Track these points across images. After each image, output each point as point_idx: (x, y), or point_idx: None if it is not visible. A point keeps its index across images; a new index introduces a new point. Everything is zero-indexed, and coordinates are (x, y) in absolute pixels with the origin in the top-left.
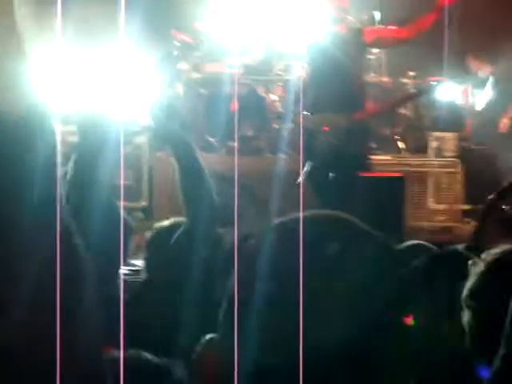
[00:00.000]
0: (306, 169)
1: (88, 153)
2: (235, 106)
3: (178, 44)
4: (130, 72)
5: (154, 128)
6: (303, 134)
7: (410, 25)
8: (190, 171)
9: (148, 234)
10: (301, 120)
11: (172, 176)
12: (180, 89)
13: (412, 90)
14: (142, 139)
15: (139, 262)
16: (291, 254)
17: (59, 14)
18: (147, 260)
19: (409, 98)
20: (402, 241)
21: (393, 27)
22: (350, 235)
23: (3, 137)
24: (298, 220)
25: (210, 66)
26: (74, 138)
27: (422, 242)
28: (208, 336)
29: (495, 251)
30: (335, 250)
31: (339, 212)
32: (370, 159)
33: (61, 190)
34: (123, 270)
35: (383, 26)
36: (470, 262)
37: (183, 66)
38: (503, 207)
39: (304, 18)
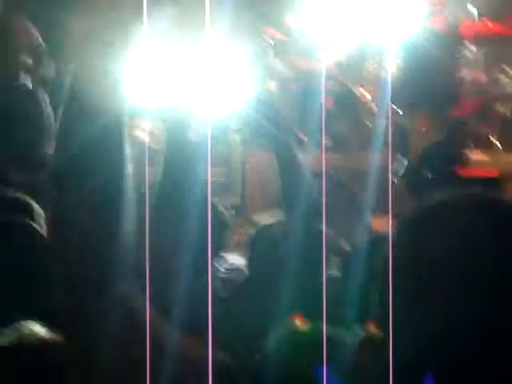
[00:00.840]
0: (402, 167)
1: (178, 154)
2: (328, 103)
3: (270, 40)
4: (221, 69)
5: (251, 126)
6: (396, 133)
7: (509, 21)
8: (290, 167)
9: (249, 232)
10: (389, 117)
11: (266, 174)
12: (273, 86)
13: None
14: (235, 137)
15: (238, 260)
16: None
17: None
18: (250, 258)
19: (508, 96)
20: None
21: (491, 23)
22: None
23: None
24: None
25: (303, 63)
26: (164, 137)
27: None
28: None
29: None
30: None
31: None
32: (468, 157)
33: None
34: (221, 267)
35: (481, 22)
36: None
37: (276, 62)
38: None
39: (399, 13)
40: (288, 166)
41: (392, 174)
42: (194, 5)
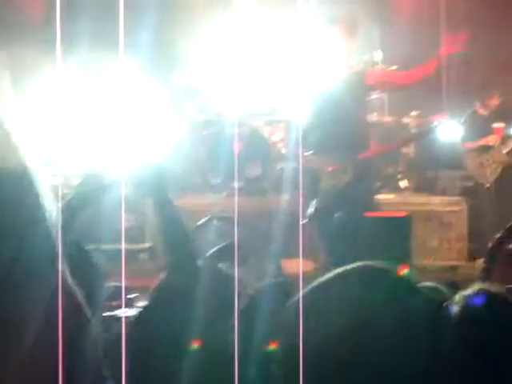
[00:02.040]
0: (310, 209)
1: (82, 197)
2: (238, 147)
3: (181, 85)
4: (134, 114)
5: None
6: (305, 175)
7: (412, 70)
8: (171, 222)
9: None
10: (300, 160)
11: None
12: (184, 130)
13: (415, 131)
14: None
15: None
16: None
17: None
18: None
19: (412, 138)
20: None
21: (395, 71)
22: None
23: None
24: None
25: (214, 108)
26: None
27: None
28: None
29: None
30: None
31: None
32: (375, 199)
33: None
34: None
35: (385, 68)
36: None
37: (187, 107)
38: (509, 247)
39: (306, 60)
40: (169, 221)
41: (302, 215)
42: (108, 49)
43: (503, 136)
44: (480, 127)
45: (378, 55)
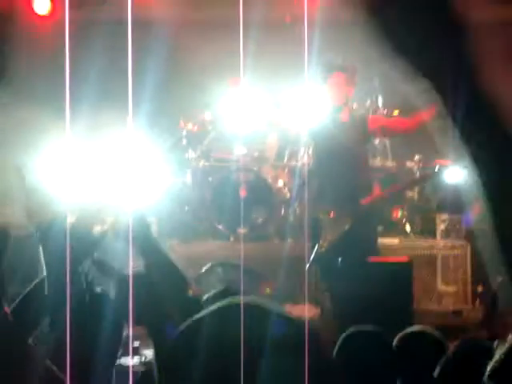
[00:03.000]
0: (313, 253)
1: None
2: (243, 192)
3: (185, 133)
4: (138, 163)
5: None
6: (310, 220)
7: (413, 116)
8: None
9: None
10: (306, 205)
11: None
12: (188, 177)
13: (418, 175)
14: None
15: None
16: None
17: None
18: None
19: (416, 182)
20: (411, 324)
21: (397, 117)
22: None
23: None
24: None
25: (218, 154)
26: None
27: (424, 328)
28: None
29: None
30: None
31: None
32: (378, 243)
33: None
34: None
35: (386, 114)
36: (495, 343)
37: (191, 154)
38: None
39: (309, 106)
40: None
41: (308, 260)
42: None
43: None
44: None
45: (379, 100)
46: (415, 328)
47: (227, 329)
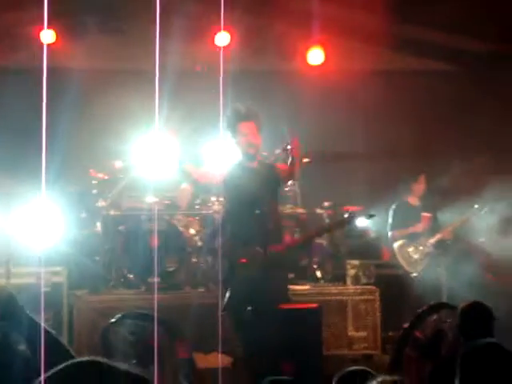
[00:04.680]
0: (224, 301)
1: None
2: (155, 241)
3: (95, 182)
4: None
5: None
6: (222, 268)
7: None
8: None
9: None
10: (219, 253)
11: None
12: (98, 226)
13: (328, 221)
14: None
15: None
16: None
17: None
18: None
19: (325, 229)
20: (320, 370)
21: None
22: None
23: None
24: None
25: (128, 203)
26: None
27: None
28: None
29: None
30: None
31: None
32: (289, 290)
33: None
34: None
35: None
36: None
37: (101, 203)
38: (418, 336)
39: (220, 154)
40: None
41: (221, 309)
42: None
43: (431, 225)
44: (409, 216)
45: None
46: (353, 368)
47: None
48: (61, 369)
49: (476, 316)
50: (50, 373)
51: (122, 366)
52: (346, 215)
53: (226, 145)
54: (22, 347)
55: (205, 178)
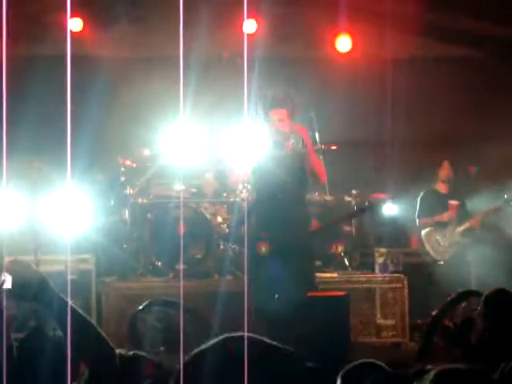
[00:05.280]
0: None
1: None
2: (182, 229)
3: (123, 169)
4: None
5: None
6: (249, 255)
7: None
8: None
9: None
10: (245, 242)
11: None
12: (126, 214)
13: (355, 208)
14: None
15: None
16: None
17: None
18: None
19: (352, 215)
20: (348, 358)
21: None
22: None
23: None
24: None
25: (156, 190)
26: None
27: (368, 360)
28: None
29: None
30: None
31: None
32: (315, 278)
33: None
34: None
35: (324, 149)
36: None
37: (129, 190)
38: (447, 324)
39: (250, 141)
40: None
41: (247, 296)
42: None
43: (458, 213)
44: (437, 204)
45: (316, 136)
46: (361, 361)
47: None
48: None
49: (501, 303)
50: (201, 348)
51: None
52: (373, 203)
53: (255, 131)
54: (57, 333)
55: (236, 181)
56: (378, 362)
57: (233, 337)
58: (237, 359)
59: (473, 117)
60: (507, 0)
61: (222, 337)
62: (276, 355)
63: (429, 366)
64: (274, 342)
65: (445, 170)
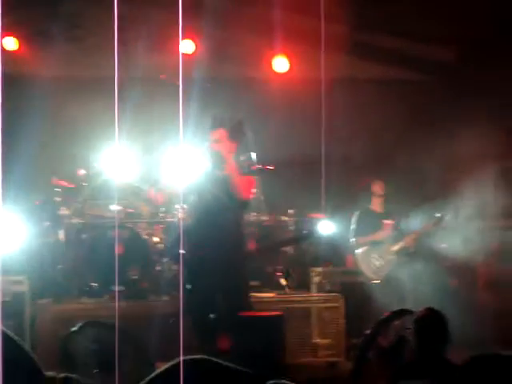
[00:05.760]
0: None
1: None
2: (119, 249)
3: (58, 190)
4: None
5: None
6: (183, 275)
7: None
8: None
9: None
10: (181, 261)
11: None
12: (61, 235)
13: (292, 229)
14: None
15: None
16: None
17: None
18: None
19: (291, 242)
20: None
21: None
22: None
23: None
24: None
25: (92, 211)
26: None
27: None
28: None
29: None
30: None
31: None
32: (251, 298)
33: None
34: None
35: (261, 168)
36: None
37: (64, 211)
38: (381, 342)
39: (185, 161)
40: None
41: (182, 318)
42: None
43: (393, 232)
44: (371, 222)
45: (253, 156)
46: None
47: None
48: (171, 366)
49: (429, 323)
50: (157, 372)
51: (232, 364)
52: (310, 222)
53: (192, 152)
54: None
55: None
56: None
57: (190, 360)
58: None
59: (407, 137)
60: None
61: (177, 360)
62: (239, 378)
63: None
64: (231, 364)
65: (380, 191)
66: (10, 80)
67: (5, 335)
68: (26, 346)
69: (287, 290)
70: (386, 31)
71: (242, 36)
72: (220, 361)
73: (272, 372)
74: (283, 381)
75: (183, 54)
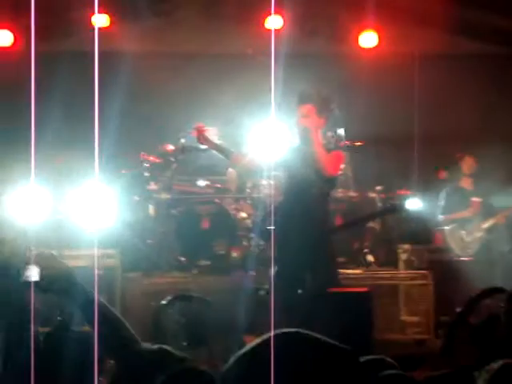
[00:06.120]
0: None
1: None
2: (206, 224)
3: (147, 165)
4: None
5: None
6: (274, 250)
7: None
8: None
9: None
10: (272, 236)
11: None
12: (151, 210)
13: (379, 205)
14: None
15: None
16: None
17: None
18: None
19: (377, 215)
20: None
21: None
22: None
23: None
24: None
25: (180, 186)
26: None
27: (382, 357)
28: None
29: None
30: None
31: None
32: (340, 274)
33: None
34: None
35: (349, 146)
36: (475, 373)
37: (153, 186)
38: (472, 321)
39: (273, 137)
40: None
41: (270, 291)
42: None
43: (483, 209)
44: (460, 200)
45: (341, 132)
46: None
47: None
48: (262, 340)
49: None
50: (249, 346)
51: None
52: (398, 199)
53: (279, 128)
54: (85, 328)
55: (240, 161)
56: (386, 358)
57: (284, 333)
58: (293, 357)
59: (500, 114)
60: None
61: (272, 333)
62: (334, 353)
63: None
64: (327, 338)
65: (469, 167)
66: (101, 57)
67: (103, 307)
68: (122, 318)
69: (374, 266)
70: (478, 6)
71: (331, 12)
72: (316, 334)
73: (361, 349)
74: (382, 357)
75: (271, 29)
